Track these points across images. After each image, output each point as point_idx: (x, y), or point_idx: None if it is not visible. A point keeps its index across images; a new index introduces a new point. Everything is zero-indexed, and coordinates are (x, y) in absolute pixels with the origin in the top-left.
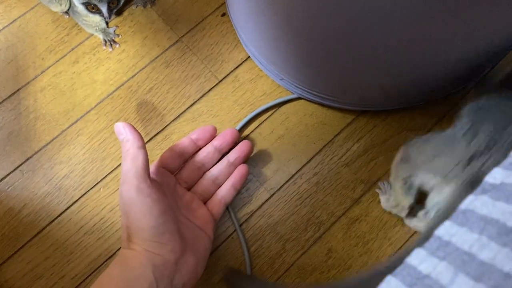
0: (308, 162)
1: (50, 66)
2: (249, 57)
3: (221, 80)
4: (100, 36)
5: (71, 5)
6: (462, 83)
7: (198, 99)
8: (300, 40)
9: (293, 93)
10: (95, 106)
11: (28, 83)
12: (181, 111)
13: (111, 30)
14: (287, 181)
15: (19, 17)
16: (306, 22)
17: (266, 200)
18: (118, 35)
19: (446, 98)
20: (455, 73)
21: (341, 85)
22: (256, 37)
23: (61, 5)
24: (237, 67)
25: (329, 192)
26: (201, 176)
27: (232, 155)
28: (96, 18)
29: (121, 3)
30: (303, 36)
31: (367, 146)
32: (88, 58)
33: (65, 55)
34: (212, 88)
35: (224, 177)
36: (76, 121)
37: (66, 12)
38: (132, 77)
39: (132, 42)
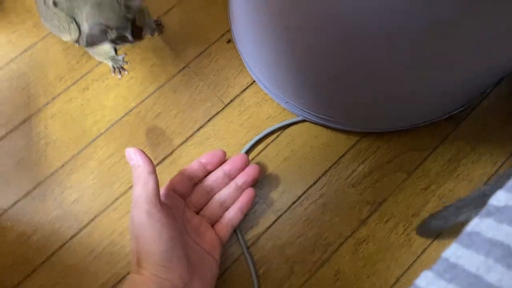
0: (314, 184)
1: (60, 93)
2: (254, 81)
3: (227, 104)
4: (109, 64)
5: (80, 34)
6: (465, 103)
7: (205, 123)
8: (303, 66)
9: (298, 116)
10: (105, 131)
11: (39, 110)
12: (188, 135)
13: (119, 57)
14: (293, 203)
15: (30, 46)
16: (310, 50)
17: (273, 222)
18: (126, 62)
19: (450, 117)
20: (458, 93)
21: (345, 109)
22: (260, 62)
23: (71, 34)
24: (242, 91)
25: (335, 214)
26: (209, 200)
27: (240, 179)
28: (106, 47)
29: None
30: (306, 63)
31: (372, 167)
32: (98, 85)
33: (75, 82)
34: (218, 112)
35: (231, 201)
36: (86, 147)
37: (76, 41)
38: (141, 102)
39: (140, 68)
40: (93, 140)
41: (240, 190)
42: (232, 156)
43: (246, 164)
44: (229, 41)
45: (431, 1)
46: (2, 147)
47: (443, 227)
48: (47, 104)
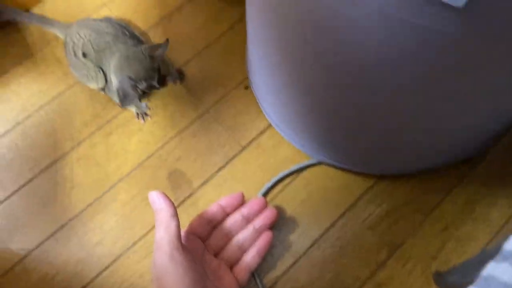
0: (331, 226)
1: (86, 139)
2: (270, 125)
3: (244, 147)
4: (133, 110)
5: (107, 82)
6: (482, 146)
7: (223, 166)
8: (317, 110)
9: (314, 159)
10: (127, 174)
11: (65, 154)
12: (207, 178)
13: (143, 104)
14: (311, 246)
15: (59, 94)
16: (326, 97)
17: (291, 265)
18: (149, 108)
19: (466, 160)
20: (474, 138)
21: (361, 153)
22: (277, 107)
23: (98, 83)
24: (259, 134)
25: (353, 256)
26: (227, 242)
27: (258, 222)
28: (132, 96)
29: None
30: (322, 109)
31: (389, 209)
32: (122, 130)
33: (100, 128)
34: (236, 155)
35: (249, 243)
36: (109, 190)
37: (102, 89)
38: (162, 147)
39: (162, 114)
40: (116, 183)
41: (258, 233)
42: (250, 198)
43: (264, 207)
44: (246, 87)
45: (447, 50)
46: (30, 189)
47: (461, 282)
48: (72, 148)
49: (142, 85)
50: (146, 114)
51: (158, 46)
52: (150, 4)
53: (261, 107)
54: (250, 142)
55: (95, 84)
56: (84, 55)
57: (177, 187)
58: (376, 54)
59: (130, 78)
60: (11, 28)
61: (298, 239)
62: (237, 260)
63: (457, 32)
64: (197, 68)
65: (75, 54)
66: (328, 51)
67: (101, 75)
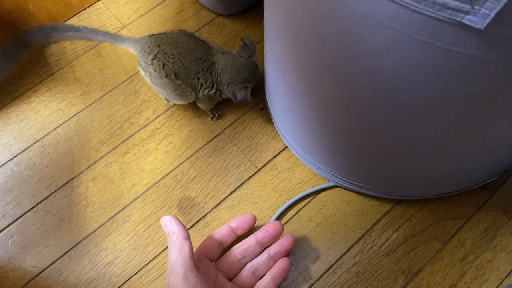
0: (347, 251)
1: (102, 157)
2: (286, 147)
3: (260, 169)
4: (209, 112)
5: (198, 97)
6: (501, 171)
7: (238, 187)
8: (335, 134)
9: (330, 181)
10: (142, 194)
11: (81, 172)
12: (221, 199)
13: (217, 106)
14: (326, 271)
15: (77, 113)
16: (344, 121)
17: None
18: (222, 108)
19: (484, 186)
20: (494, 163)
21: (378, 176)
22: (293, 129)
23: (189, 99)
24: (275, 156)
25: (370, 283)
26: (241, 268)
27: (273, 249)
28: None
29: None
30: (338, 130)
31: (406, 235)
32: (138, 149)
33: (117, 146)
34: (251, 176)
35: (264, 270)
36: (123, 209)
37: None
38: (177, 166)
39: (178, 134)
40: (131, 203)
41: (273, 260)
42: (264, 220)
43: (280, 233)
44: (262, 108)
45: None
46: (45, 207)
47: None
48: (89, 167)
49: (253, 84)
50: (219, 114)
51: (246, 46)
52: (168, 25)
53: (277, 128)
54: (266, 163)
55: (185, 101)
56: (176, 76)
57: (191, 207)
58: (397, 78)
59: (243, 82)
60: (33, 46)
61: (314, 264)
62: (251, 286)
63: (478, 54)
64: None
65: (166, 76)
66: (348, 76)
67: (193, 93)
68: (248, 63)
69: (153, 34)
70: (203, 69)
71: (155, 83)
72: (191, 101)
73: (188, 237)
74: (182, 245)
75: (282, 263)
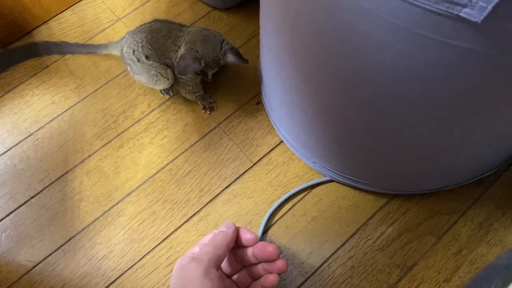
0: (342, 246)
1: (96, 151)
2: (282, 141)
3: (255, 163)
4: (198, 102)
5: (175, 78)
6: (494, 166)
7: (234, 181)
8: (331, 128)
9: (325, 176)
10: (136, 188)
11: (75, 166)
12: (217, 193)
13: (207, 96)
14: (321, 265)
15: (71, 106)
16: (339, 112)
17: (301, 285)
18: (213, 101)
19: (479, 181)
20: (488, 158)
21: (373, 171)
22: (289, 123)
23: (168, 78)
24: (270, 150)
25: (364, 277)
26: (239, 269)
27: (267, 265)
28: (197, 80)
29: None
30: (335, 125)
31: (401, 229)
32: (132, 143)
33: (111, 140)
34: (247, 170)
35: (260, 272)
36: (118, 203)
37: (166, 91)
38: (172, 160)
39: (173, 128)
40: (125, 197)
41: (266, 271)
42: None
43: (274, 258)
44: (258, 103)
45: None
46: (39, 201)
47: None
48: (83, 161)
49: (201, 66)
50: (211, 106)
51: (238, 53)
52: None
53: (272, 123)
54: (261, 158)
55: (166, 81)
56: (147, 57)
57: (186, 201)
58: (394, 72)
59: (197, 51)
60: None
61: (308, 258)
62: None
63: (475, 47)
64: (209, 82)
65: (138, 60)
66: (345, 70)
67: (169, 71)
68: (217, 51)
69: (130, 31)
70: (170, 44)
71: (134, 73)
72: (170, 82)
73: (230, 247)
74: (221, 247)
75: (280, 263)
